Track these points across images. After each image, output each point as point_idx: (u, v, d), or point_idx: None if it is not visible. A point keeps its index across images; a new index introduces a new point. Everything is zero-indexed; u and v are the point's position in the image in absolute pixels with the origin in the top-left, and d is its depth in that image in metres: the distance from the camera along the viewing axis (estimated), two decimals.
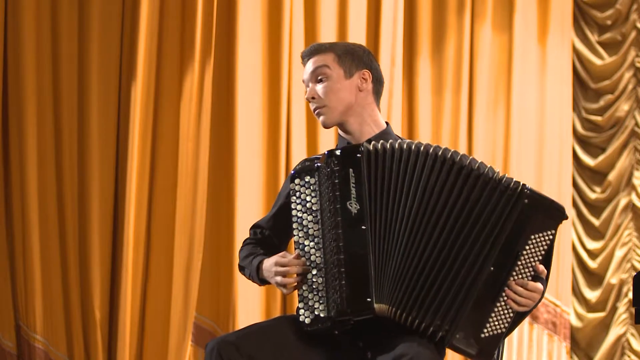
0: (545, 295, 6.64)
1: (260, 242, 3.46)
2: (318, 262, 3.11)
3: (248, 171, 5.63)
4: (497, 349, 3.11)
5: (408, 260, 3.06)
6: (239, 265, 3.45)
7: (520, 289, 3.08)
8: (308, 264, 3.12)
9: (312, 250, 3.12)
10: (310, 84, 3.35)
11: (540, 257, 3.08)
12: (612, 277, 6.79)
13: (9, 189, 5.13)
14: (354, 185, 3.09)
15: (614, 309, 6.79)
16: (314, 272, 3.11)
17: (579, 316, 6.83)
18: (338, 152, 3.12)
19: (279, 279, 3.19)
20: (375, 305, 3.03)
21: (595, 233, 6.86)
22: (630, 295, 6.56)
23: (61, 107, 5.22)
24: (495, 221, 3.06)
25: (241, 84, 5.60)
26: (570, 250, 6.77)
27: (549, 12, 6.73)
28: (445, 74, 6.40)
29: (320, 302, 3.08)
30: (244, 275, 3.43)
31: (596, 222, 6.87)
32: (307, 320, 3.10)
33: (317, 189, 3.14)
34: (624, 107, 6.86)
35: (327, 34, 5.86)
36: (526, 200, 3.06)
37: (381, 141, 3.13)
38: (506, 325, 3.08)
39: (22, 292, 5.09)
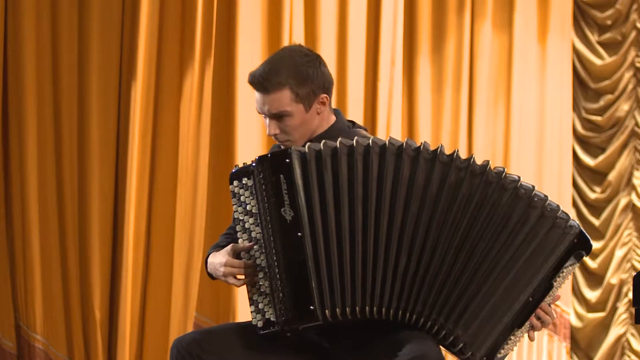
0: None
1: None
2: (263, 266, 3.06)
3: None
4: None
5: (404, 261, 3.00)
6: (208, 252, 3.40)
7: (546, 316, 3.09)
8: (255, 267, 3.09)
9: (257, 254, 3.08)
10: (268, 119, 3.23)
11: (560, 286, 3.09)
12: (612, 277, 6.79)
13: (9, 189, 5.13)
14: (286, 191, 3.01)
15: (614, 309, 6.79)
16: (261, 275, 3.07)
17: (579, 316, 6.83)
18: (268, 157, 3.05)
19: (230, 279, 3.17)
20: (320, 312, 2.97)
21: (595, 233, 6.85)
22: (630, 295, 6.56)
23: (61, 107, 5.21)
24: (542, 252, 3.04)
25: (241, 84, 5.60)
26: None
27: (549, 12, 6.73)
28: (445, 73, 6.40)
29: (269, 305, 3.05)
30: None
31: (596, 222, 6.87)
32: (259, 324, 3.07)
33: (254, 191, 3.07)
34: (624, 107, 6.86)
35: (327, 34, 5.86)
36: (575, 240, 3.05)
37: (323, 141, 3.03)
38: (516, 345, 3.10)
39: (22, 292, 5.09)
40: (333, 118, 3.31)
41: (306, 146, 3.03)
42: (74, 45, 5.25)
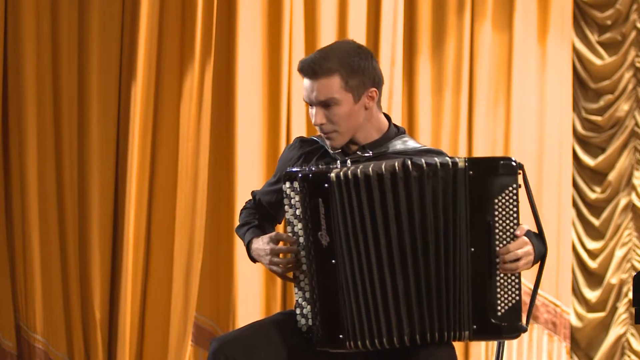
0: (545, 295, 6.66)
1: (258, 209, 3.43)
2: (307, 273, 3.07)
3: (248, 171, 5.63)
4: (520, 318, 3.05)
5: (398, 287, 3.01)
6: (235, 229, 3.43)
7: (510, 253, 3.01)
8: (298, 264, 3.10)
9: (303, 259, 3.08)
10: (315, 108, 3.19)
11: (514, 215, 3.01)
12: (612, 277, 6.79)
13: (9, 189, 5.13)
14: (323, 216, 2.99)
15: (614, 309, 6.78)
16: (306, 281, 3.08)
17: (579, 316, 6.82)
18: (309, 177, 3.01)
19: (274, 267, 3.18)
20: (347, 342, 3.00)
21: (595, 233, 6.85)
22: (630, 295, 6.56)
23: (61, 107, 5.22)
24: (450, 206, 2.99)
25: (241, 84, 5.60)
26: (570, 250, 6.77)
27: (549, 12, 6.73)
28: (445, 74, 6.40)
29: (312, 312, 3.07)
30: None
31: (596, 222, 6.87)
32: (303, 328, 3.10)
33: (300, 200, 3.06)
34: (624, 107, 6.85)
35: (327, 34, 5.86)
36: (471, 172, 2.99)
37: (352, 168, 3.00)
38: (517, 292, 3.03)
39: (22, 292, 5.09)
40: (384, 121, 3.29)
41: (342, 171, 3.00)
42: (74, 45, 5.26)
